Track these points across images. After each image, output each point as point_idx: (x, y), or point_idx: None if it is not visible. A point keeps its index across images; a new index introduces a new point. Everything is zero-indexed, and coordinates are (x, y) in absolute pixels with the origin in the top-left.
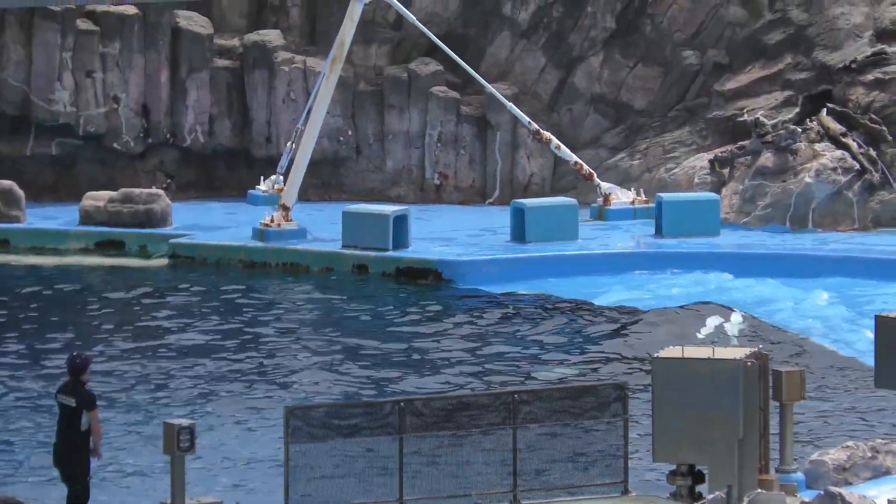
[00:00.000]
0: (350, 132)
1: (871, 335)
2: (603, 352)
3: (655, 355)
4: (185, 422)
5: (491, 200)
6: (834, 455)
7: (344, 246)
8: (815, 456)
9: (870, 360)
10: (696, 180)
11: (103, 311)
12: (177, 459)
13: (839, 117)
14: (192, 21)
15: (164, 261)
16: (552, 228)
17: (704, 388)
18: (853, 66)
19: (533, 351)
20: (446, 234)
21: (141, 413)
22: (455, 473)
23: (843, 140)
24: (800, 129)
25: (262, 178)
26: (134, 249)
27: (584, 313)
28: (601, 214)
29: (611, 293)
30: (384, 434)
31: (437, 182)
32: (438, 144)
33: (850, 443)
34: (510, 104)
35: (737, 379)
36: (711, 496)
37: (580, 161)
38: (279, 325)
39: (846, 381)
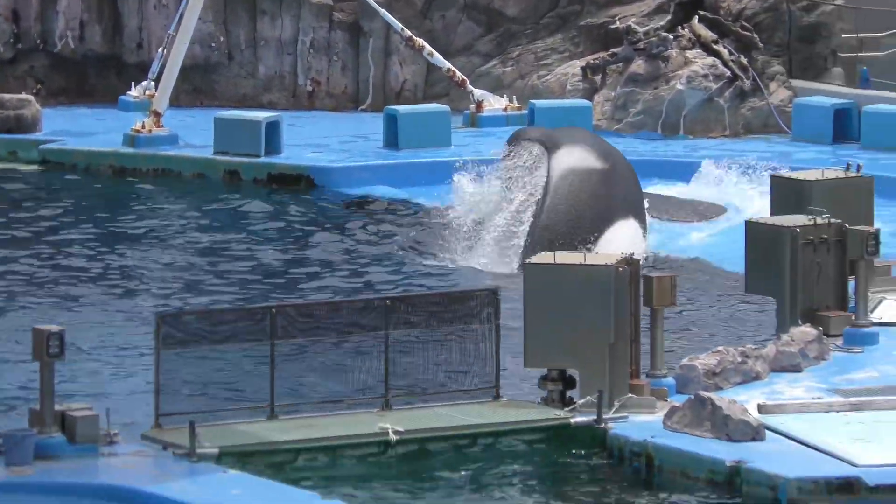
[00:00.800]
0: (222, 38)
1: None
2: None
3: (527, 261)
4: (54, 327)
5: (363, 107)
6: (704, 360)
7: (216, 152)
8: (685, 361)
9: (741, 268)
10: (569, 87)
11: None
12: (46, 365)
13: (710, 24)
14: None
15: (34, 166)
16: (425, 135)
17: (575, 293)
18: None
19: (405, 256)
20: (319, 141)
21: (7, 318)
22: (327, 378)
23: (715, 47)
24: (671, 37)
25: (133, 84)
26: (3, 154)
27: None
28: (474, 121)
29: None
30: (256, 340)
31: (310, 88)
32: (311, 51)
33: (720, 348)
34: (383, 11)
35: (608, 284)
36: (582, 401)
37: (453, 68)
38: (149, 231)
39: (718, 287)
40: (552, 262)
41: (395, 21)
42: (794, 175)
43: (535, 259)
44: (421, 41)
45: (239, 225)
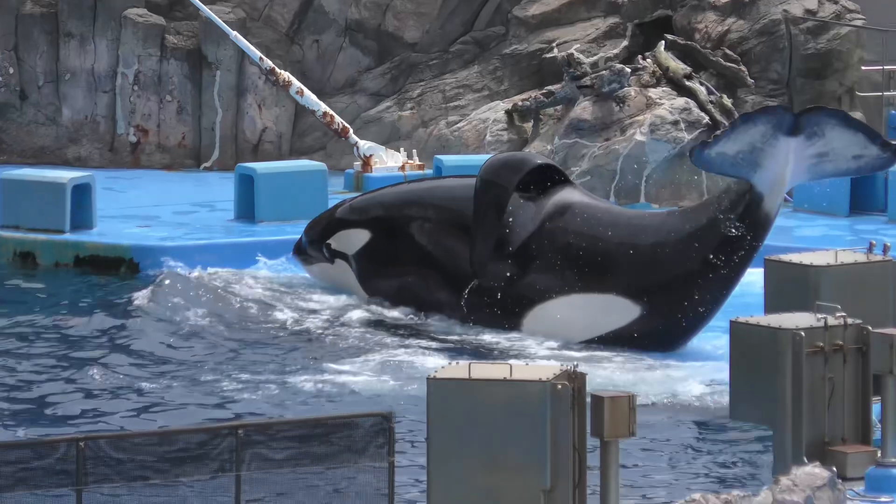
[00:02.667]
0: (12, 71)
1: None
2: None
3: (432, 375)
4: None
5: (208, 165)
6: None
7: (3, 226)
8: None
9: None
10: (489, 138)
11: None
12: None
13: (682, 53)
14: None
15: None
16: (292, 203)
17: (499, 420)
18: None
19: (269, 365)
20: (146, 212)
21: None
22: None
23: (688, 84)
24: (629, 70)
25: None
26: None
27: (329, 316)
28: (359, 184)
29: None
30: (58, 485)
31: (134, 139)
32: (135, 88)
33: (696, 495)
34: (234, 33)
35: (542, 408)
36: None
37: (331, 111)
38: None
39: (690, 409)
40: (466, 376)
41: (252, 48)
42: (795, 259)
43: (443, 372)
44: (287, 75)
45: (31, 327)
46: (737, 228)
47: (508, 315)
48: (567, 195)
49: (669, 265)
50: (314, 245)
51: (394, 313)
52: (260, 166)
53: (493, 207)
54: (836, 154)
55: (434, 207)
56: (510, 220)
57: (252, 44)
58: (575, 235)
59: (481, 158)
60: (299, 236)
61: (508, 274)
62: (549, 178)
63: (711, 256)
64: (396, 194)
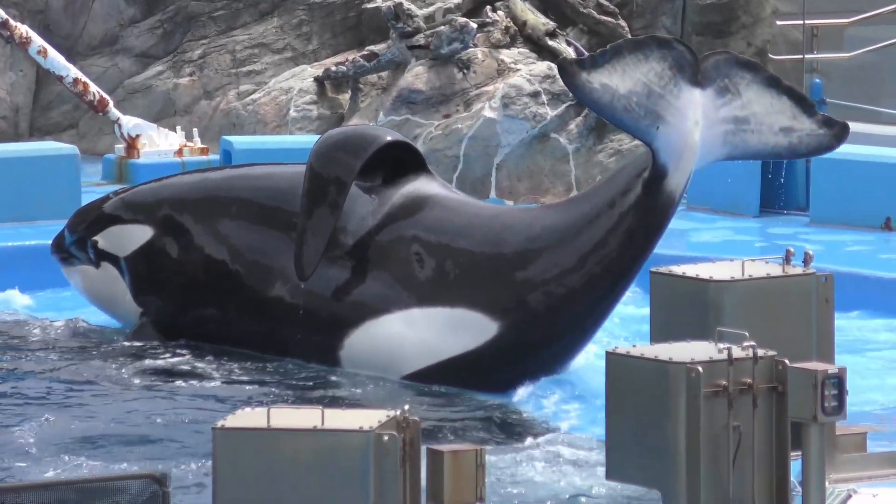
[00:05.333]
0: None
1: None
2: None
3: (219, 423)
4: None
5: None
6: None
7: None
8: None
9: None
10: (293, 113)
11: None
12: None
13: (544, 3)
14: None
15: None
16: (33, 199)
17: (306, 480)
18: None
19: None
20: None
21: None
22: None
23: (551, 44)
24: (474, 25)
25: None
26: None
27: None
28: (123, 173)
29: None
30: None
31: None
32: None
33: None
34: None
35: (364, 465)
36: None
37: (84, 77)
38: None
39: (552, 469)
40: (263, 425)
41: None
42: (690, 271)
43: (233, 421)
44: (25, 29)
45: None
46: (629, 220)
47: (327, 339)
48: (422, 186)
49: (538, 271)
50: (77, 242)
51: (169, 342)
52: None
53: (326, 203)
54: (758, 123)
55: (244, 202)
56: (344, 214)
57: None
58: (424, 235)
59: (284, 140)
60: (61, 229)
61: (334, 284)
62: (399, 160)
63: (593, 260)
64: (193, 182)
